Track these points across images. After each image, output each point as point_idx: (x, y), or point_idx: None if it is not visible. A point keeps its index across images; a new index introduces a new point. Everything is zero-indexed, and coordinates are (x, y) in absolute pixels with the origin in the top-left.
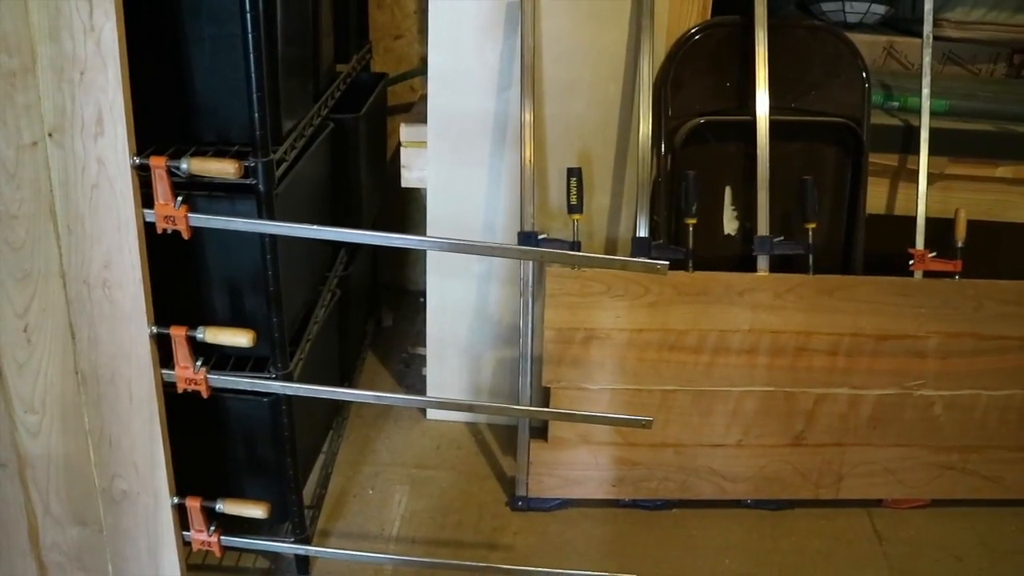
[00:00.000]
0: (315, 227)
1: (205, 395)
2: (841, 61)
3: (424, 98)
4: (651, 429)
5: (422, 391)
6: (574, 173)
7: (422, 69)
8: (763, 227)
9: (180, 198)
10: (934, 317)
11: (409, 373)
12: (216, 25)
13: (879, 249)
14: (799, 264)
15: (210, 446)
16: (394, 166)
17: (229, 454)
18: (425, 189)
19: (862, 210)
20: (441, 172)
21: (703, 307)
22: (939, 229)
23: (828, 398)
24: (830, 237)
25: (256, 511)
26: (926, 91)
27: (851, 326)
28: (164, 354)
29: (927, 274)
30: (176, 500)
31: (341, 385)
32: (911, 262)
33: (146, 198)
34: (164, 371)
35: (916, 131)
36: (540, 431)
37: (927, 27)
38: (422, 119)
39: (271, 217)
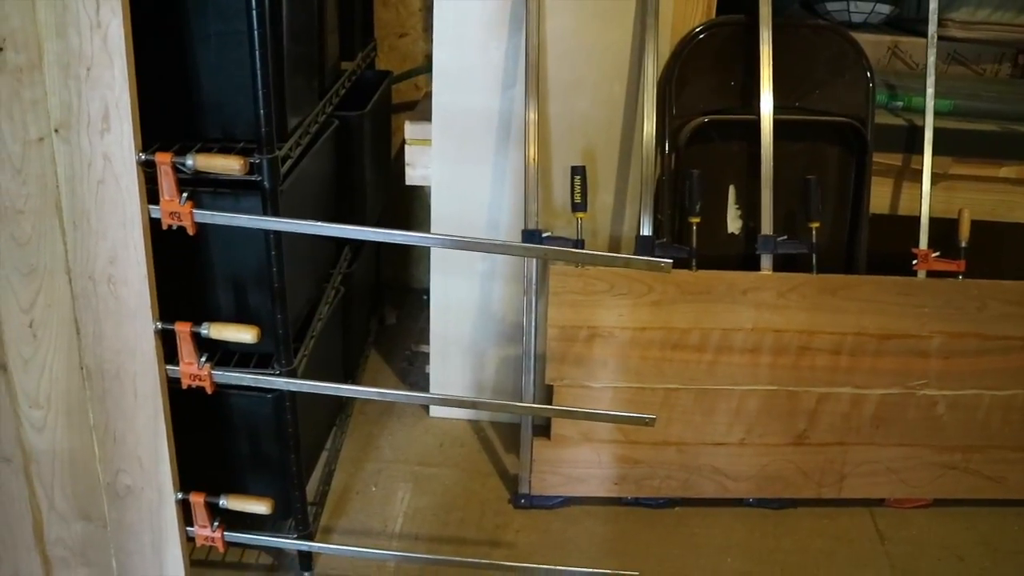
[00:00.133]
0: (320, 223)
1: (209, 391)
2: (845, 61)
3: (429, 96)
4: (654, 427)
5: (425, 389)
6: (578, 171)
7: (427, 67)
8: (767, 226)
9: (185, 194)
10: (937, 317)
11: (412, 371)
12: (222, 22)
13: (882, 249)
14: (802, 263)
15: (214, 442)
16: (398, 164)
17: (233, 450)
18: (429, 187)
19: (866, 210)
20: (445, 170)
21: (706, 306)
22: (943, 229)
23: (831, 397)
24: (833, 236)
25: (260, 507)
26: (930, 91)
27: (854, 325)
28: (168, 350)
29: (931, 274)
30: (180, 496)
31: (344, 382)
32: (915, 262)
33: (151, 194)
34: (168, 367)
35: (920, 131)
36: (543, 429)
37: (932, 27)
38: (427, 117)
39: (276, 214)
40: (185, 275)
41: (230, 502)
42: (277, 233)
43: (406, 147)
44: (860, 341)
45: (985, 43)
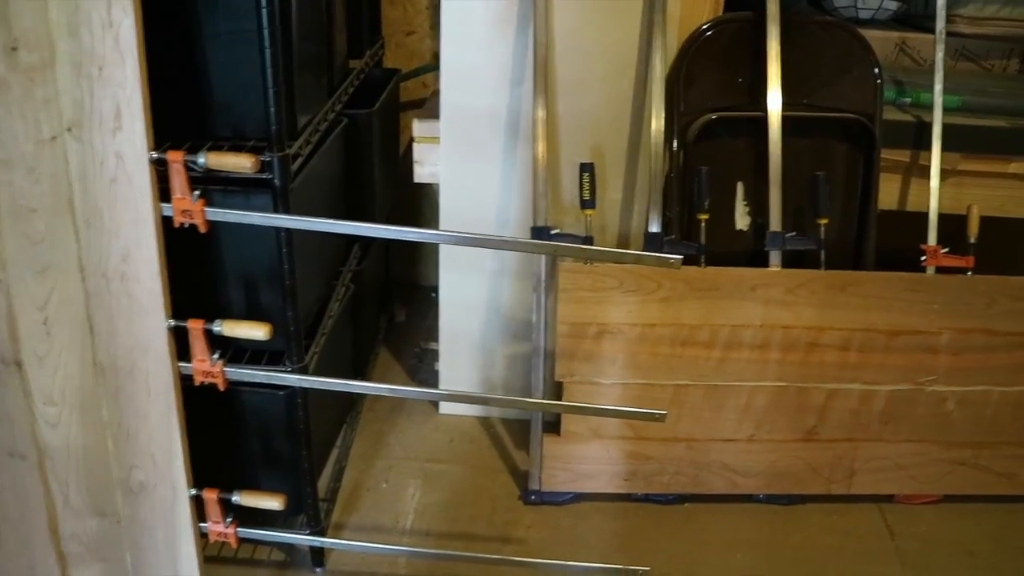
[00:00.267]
0: (330, 221)
1: (222, 388)
2: (853, 57)
3: (436, 94)
4: (663, 424)
5: (435, 385)
6: (587, 168)
7: (435, 65)
8: (775, 223)
9: (197, 192)
10: (946, 313)
11: (422, 368)
12: (232, 21)
13: (891, 245)
14: (811, 260)
15: (226, 439)
16: (406, 162)
17: (245, 447)
18: (437, 185)
19: (874, 206)
20: (454, 167)
21: (715, 302)
22: (951, 225)
23: (840, 393)
24: (842, 233)
25: (273, 503)
26: (939, 87)
27: (863, 322)
28: (181, 347)
29: (939, 270)
30: (193, 492)
31: (354, 380)
32: (923, 258)
33: (163, 192)
34: (181, 364)
35: (928, 127)
36: (553, 425)
37: (940, 23)
38: (435, 114)
39: (286, 211)
40: (196, 273)
41: (243, 498)
42: (288, 231)
43: (414, 145)
44: (869, 337)
45: (993, 39)
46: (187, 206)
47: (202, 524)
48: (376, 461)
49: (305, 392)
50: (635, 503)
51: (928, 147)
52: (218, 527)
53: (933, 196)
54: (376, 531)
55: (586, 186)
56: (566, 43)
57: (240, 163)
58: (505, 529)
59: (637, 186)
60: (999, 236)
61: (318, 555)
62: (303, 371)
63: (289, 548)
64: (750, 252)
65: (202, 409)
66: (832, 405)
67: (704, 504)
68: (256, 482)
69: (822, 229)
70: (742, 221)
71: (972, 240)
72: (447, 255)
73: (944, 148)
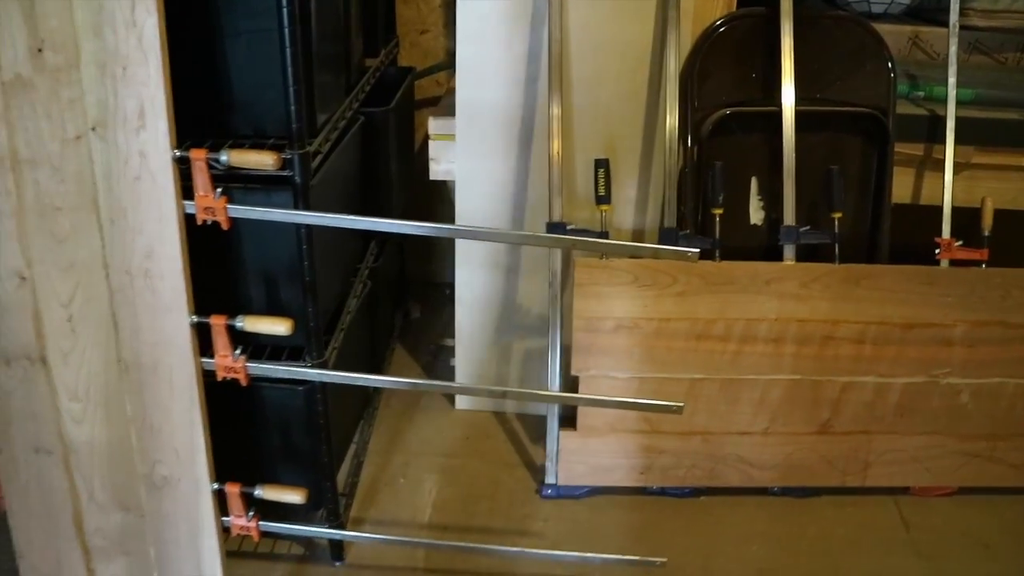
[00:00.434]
0: (351, 217)
1: (244, 383)
2: (866, 51)
3: (451, 92)
4: (679, 417)
5: (450, 381)
6: (602, 164)
7: (449, 63)
8: (789, 217)
9: (219, 189)
10: (960, 306)
11: (437, 365)
12: (252, 20)
13: (905, 238)
14: (825, 253)
15: (246, 435)
16: (420, 159)
17: (264, 443)
18: (452, 182)
19: (888, 199)
20: (469, 165)
21: (730, 296)
22: (965, 218)
23: (855, 386)
24: (856, 226)
25: (294, 497)
26: (952, 80)
27: (877, 315)
28: (202, 344)
29: (954, 263)
30: (216, 486)
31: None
32: (937, 251)
33: (185, 190)
34: (203, 360)
35: (942, 120)
36: (569, 420)
37: (953, 16)
38: (450, 112)
39: (307, 208)
40: (217, 270)
41: (265, 492)
42: (308, 227)
43: (430, 142)
44: (883, 330)
45: (1007, 32)
46: (210, 203)
47: (224, 518)
48: (393, 457)
49: (325, 387)
50: (651, 496)
51: (942, 140)
52: (240, 521)
53: (947, 189)
54: (394, 525)
55: (601, 182)
56: (580, 40)
57: (263, 160)
58: (522, 523)
59: (651, 182)
60: (1013, 229)
61: (337, 549)
62: (323, 367)
63: (308, 543)
64: (764, 246)
65: (222, 405)
66: (847, 398)
67: (719, 497)
68: (276, 477)
69: (836, 223)
70: (756, 216)
71: (986, 233)
72: (463, 252)
73: (958, 141)
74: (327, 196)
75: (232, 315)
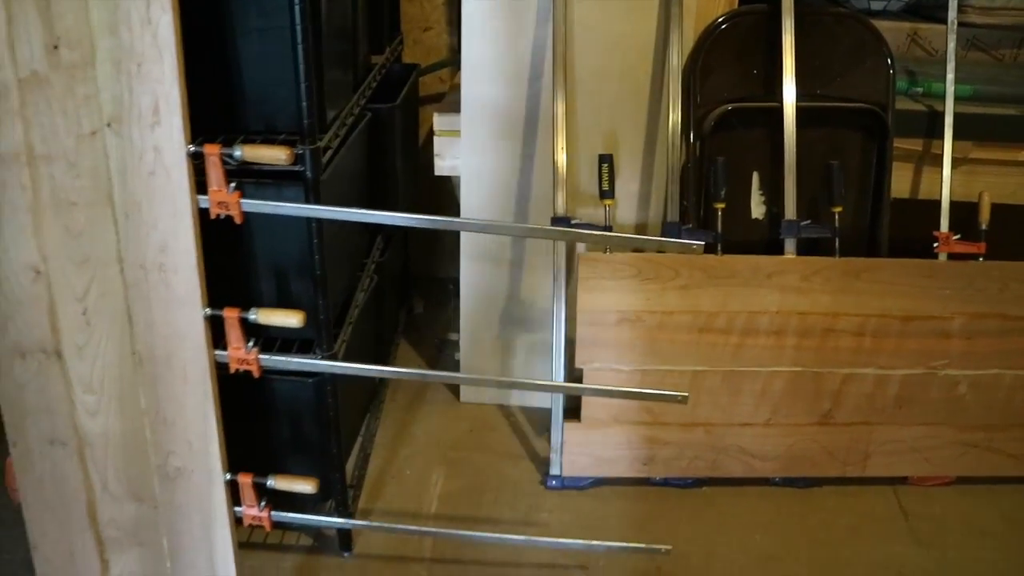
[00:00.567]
0: (362, 211)
1: (256, 375)
2: (866, 48)
3: (455, 88)
4: (681, 409)
5: None
6: (605, 159)
7: (452, 60)
8: (790, 211)
9: (233, 184)
10: (959, 298)
11: (442, 359)
12: (264, 17)
13: (904, 232)
14: (825, 247)
15: (256, 427)
16: (425, 155)
17: (274, 435)
18: (456, 178)
19: (887, 194)
20: (474, 160)
21: (732, 289)
22: (963, 212)
23: (855, 378)
24: (856, 221)
25: (306, 487)
26: (951, 76)
27: (877, 308)
28: (215, 336)
29: (952, 256)
30: (228, 476)
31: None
32: (936, 244)
33: (198, 185)
34: (216, 352)
35: (940, 116)
36: (573, 412)
37: (952, 13)
38: (455, 109)
39: (317, 203)
40: (228, 263)
41: (277, 482)
42: (319, 221)
43: (435, 138)
44: (883, 323)
45: (1004, 28)
46: (223, 198)
47: (236, 508)
48: (399, 449)
49: (335, 380)
50: (654, 487)
51: (940, 136)
52: (252, 511)
53: (945, 184)
54: (401, 516)
55: (605, 177)
56: (584, 36)
57: (276, 155)
58: (528, 513)
59: (653, 177)
60: (1010, 223)
61: (346, 540)
62: (332, 359)
63: (317, 534)
64: (766, 240)
65: (233, 397)
66: (847, 390)
67: (722, 488)
68: (285, 469)
69: (836, 217)
70: (758, 210)
71: (983, 227)
72: (467, 246)
73: (956, 137)
74: (336, 191)
75: (244, 308)
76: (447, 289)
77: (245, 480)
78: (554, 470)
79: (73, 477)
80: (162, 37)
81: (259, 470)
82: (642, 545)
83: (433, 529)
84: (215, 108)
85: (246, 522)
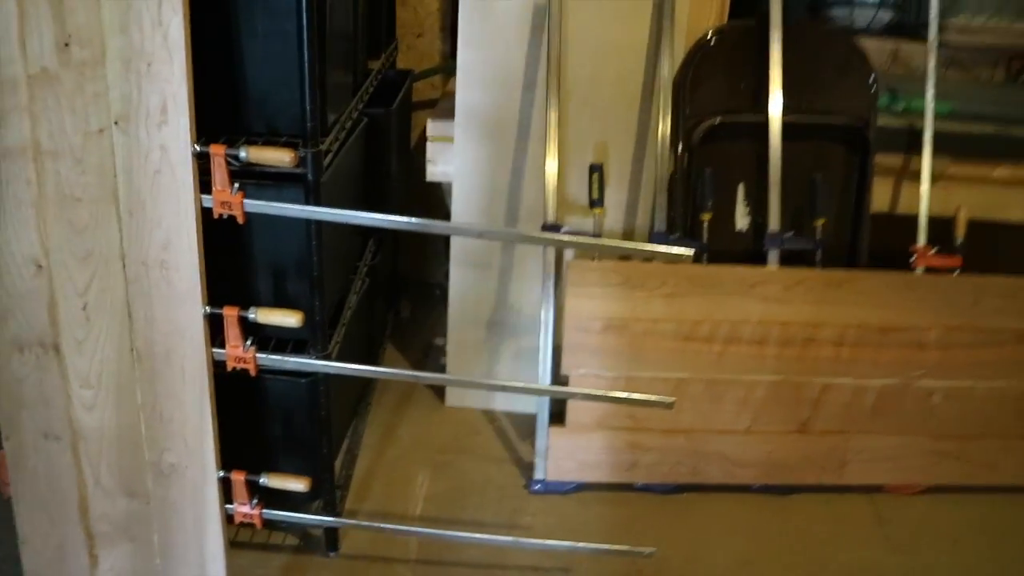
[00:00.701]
0: (363, 213)
1: (253, 373)
2: (851, 65)
3: (448, 95)
4: (664, 416)
5: None
6: (596, 169)
7: (446, 66)
8: (774, 223)
9: (237, 184)
10: (935, 311)
11: (427, 363)
12: (270, 21)
13: (883, 245)
14: (807, 258)
15: (248, 425)
16: (417, 161)
17: (266, 433)
18: (447, 184)
19: (868, 208)
20: (466, 166)
21: (716, 298)
22: (940, 227)
23: (833, 387)
24: (837, 233)
25: (298, 485)
26: (930, 94)
27: (856, 318)
28: (212, 334)
29: (929, 269)
30: (222, 473)
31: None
32: (913, 258)
33: (202, 184)
34: (214, 350)
35: (920, 133)
36: (558, 417)
37: (932, 33)
38: (448, 115)
39: (317, 205)
40: (226, 262)
41: (270, 480)
42: (319, 223)
43: (428, 144)
44: (861, 333)
45: (982, 49)
46: (227, 198)
47: (228, 506)
48: (385, 451)
49: (327, 380)
50: (636, 492)
51: (919, 152)
52: (244, 508)
53: (923, 199)
54: (387, 517)
55: (595, 185)
56: (577, 47)
57: (280, 157)
58: (512, 516)
59: (642, 186)
60: (985, 237)
61: (332, 540)
62: (326, 360)
63: (304, 534)
64: (750, 251)
65: (226, 395)
66: (826, 398)
67: (702, 494)
68: (276, 467)
69: (819, 229)
70: (742, 221)
71: (959, 241)
72: (458, 251)
73: (934, 153)
74: (335, 194)
75: (242, 307)
76: (434, 294)
77: (238, 478)
78: (538, 474)
79: (66, 472)
80: (172, 38)
81: (249, 468)
82: (626, 548)
83: (421, 529)
84: (217, 108)
85: (237, 519)
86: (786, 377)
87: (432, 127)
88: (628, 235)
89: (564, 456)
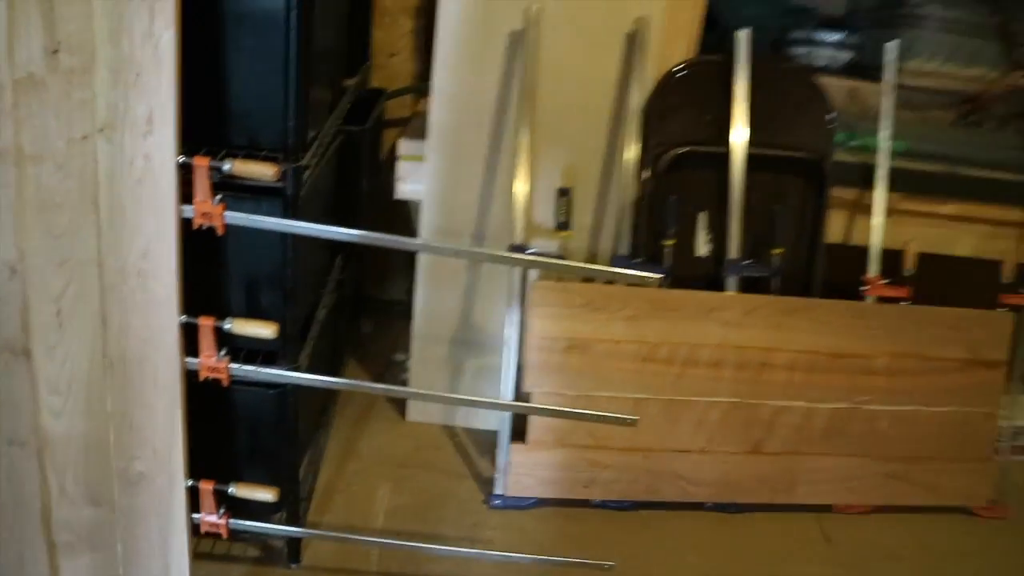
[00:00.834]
0: (341, 229)
1: (225, 383)
2: (811, 102)
3: (419, 114)
4: (622, 434)
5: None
6: (565, 192)
7: (422, 87)
8: (734, 251)
9: (219, 196)
10: (883, 339)
11: (387, 379)
12: (255, 36)
13: (837, 274)
14: (764, 285)
15: (215, 435)
16: (385, 177)
17: (233, 444)
18: (415, 202)
19: (823, 238)
20: (437, 185)
21: (676, 322)
22: (891, 258)
23: (786, 410)
24: (793, 262)
25: (266, 495)
26: (885, 132)
27: (809, 344)
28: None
29: (879, 299)
30: (190, 483)
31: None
32: (865, 287)
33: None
34: (188, 359)
35: (874, 168)
36: (518, 434)
37: (888, 74)
38: (419, 134)
39: (295, 219)
40: (200, 273)
41: (238, 490)
42: (295, 236)
43: (398, 162)
44: (814, 359)
45: (934, 92)
46: (208, 209)
47: (195, 515)
48: (347, 464)
49: (296, 392)
50: (594, 509)
51: (872, 187)
52: (211, 518)
53: (876, 231)
54: (349, 530)
55: (563, 209)
56: (551, 74)
57: (263, 171)
58: (472, 531)
59: (607, 211)
60: (933, 270)
61: (295, 551)
62: (296, 371)
63: (264, 545)
64: (710, 276)
65: (192, 405)
66: (778, 421)
67: (657, 511)
68: (241, 478)
69: (776, 258)
70: (703, 248)
71: (909, 273)
72: (424, 269)
73: (887, 188)
74: (311, 208)
75: (217, 317)
76: (394, 310)
77: (206, 487)
78: (498, 489)
79: (30, 479)
80: (163, 50)
81: (215, 479)
82: (588, 560)
83: (388, 540)
84: (202, 121)
85: (204, 529)
86: (741, 399)
87: (404, 146)
88: (591, 258)
89: (524, 472)
